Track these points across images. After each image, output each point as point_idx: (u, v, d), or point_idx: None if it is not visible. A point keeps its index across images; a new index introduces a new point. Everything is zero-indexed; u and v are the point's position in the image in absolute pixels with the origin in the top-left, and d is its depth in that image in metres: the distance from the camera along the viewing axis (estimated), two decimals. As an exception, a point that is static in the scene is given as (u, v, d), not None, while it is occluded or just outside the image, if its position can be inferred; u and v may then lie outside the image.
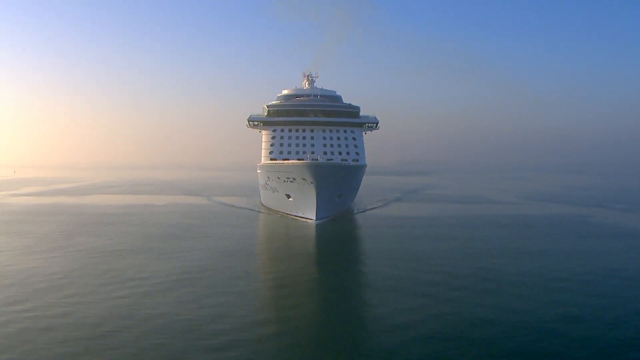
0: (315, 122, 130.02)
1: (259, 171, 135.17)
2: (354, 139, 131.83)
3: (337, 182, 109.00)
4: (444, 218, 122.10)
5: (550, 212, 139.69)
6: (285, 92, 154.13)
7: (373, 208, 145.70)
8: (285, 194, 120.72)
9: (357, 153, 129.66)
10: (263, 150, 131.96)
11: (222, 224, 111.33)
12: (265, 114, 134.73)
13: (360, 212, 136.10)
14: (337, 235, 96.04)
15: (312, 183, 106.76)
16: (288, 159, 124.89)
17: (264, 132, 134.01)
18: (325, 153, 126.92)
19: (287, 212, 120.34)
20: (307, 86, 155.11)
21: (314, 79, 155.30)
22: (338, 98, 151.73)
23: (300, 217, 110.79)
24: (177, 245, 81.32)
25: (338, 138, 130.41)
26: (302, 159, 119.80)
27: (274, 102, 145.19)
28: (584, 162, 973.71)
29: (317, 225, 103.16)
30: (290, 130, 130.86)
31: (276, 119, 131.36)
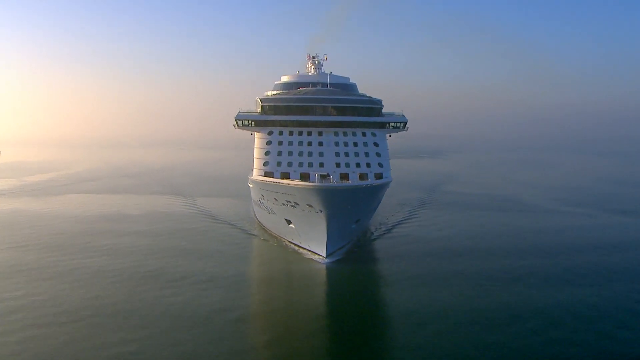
0: (324, 123, 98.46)
1: (250, 185, 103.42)
2: (375, 144, 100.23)
3: (354, 207, 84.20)
4: (486, 238, 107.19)
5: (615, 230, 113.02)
6: (284, 79, 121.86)
7: (393, 226, 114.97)
8: (285, 219, 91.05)
9: (380, 164, 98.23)
10: (255, 160, 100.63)
11: (201, 254, 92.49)
12: (259, 110, 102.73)
13: (380, 234, 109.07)
14: (357, 284, 77.96)
15: (321, 211, 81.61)
16: (288, 174, 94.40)
17: (256, 134, 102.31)
18: (338, 165, 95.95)
19: (286, 239, 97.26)
20: (312, 71, 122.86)
21: (321, 61, 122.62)
22: (352, 87, 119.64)
23: (305, 249, 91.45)
24: (138, 303, 66.89)
25: (355, 144, 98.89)
26: (307, 174, 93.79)
27: (270, 94, 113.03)
28: (608, 137, 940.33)
29: (328, 267, 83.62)
30: (291, 133, 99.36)
31: (273, 117, 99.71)
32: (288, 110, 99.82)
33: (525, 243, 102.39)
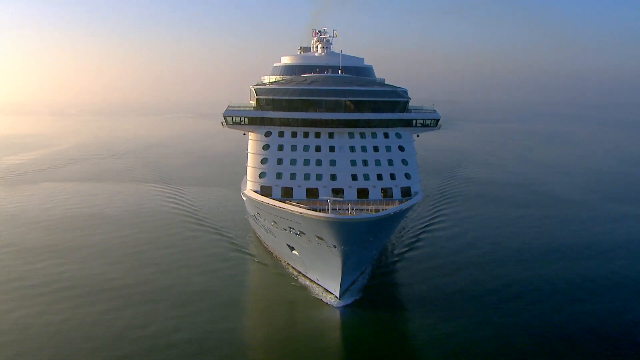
0: (337, 121, 77.67)
1: (244, 198, 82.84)
2: (401, 148, 79.47)
3: (377, 237, 67.80)
4: (537, 256, 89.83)
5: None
6: (285, 60, 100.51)
7: (414, 234, 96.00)
8: (287, 244, 74.66)
9: (407, 175, 77.64)
10: (249, 168, 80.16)
11: (175, 292, 74.31)
12: (254, 103, 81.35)
13: (401, 252, 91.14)
14: (381, 336, 61.73)
15: (334, 247, 63.99)
16: (291, 189, 75.12)
17: (250, 135, 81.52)
18: (354, 178, 75.84)
19: (289, 264, 79.86)
20: (319, 51, 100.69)
21: (330, 39, 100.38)
22: (368, 71, 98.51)
23: (313, 280, 74.88)
24: None
25: (376, 148, 78.21)
26: (316, 189, 75.38)
27: (267, 80, 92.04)
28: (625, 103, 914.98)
29: (343, 315, 66.67)
30: (294, 135, 78.58)
31: (271, 114, 79.07)
32: (290, 105, 78.68)
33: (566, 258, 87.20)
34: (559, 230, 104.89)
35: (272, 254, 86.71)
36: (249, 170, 79.65)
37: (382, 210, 64.89)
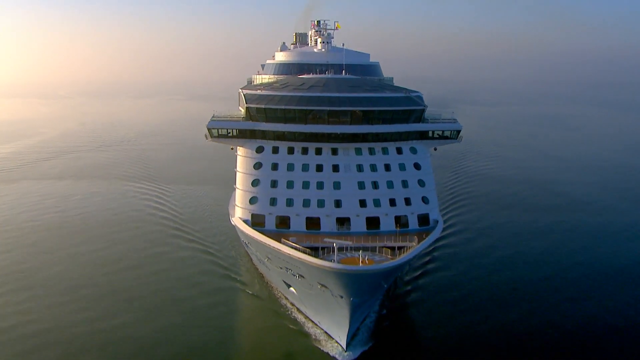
0: (342, 135, 64.70)
1: (234, 223, 70.45)
2: (416, 165, 67.57)
3: (389, 280, 58.88)
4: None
5: None
6: (280, 57, 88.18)
7: (430, 257, 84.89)
8: (284, 281, 63.71)
9: (425, 200, 65.58)
10: (238, 192, 67.80)
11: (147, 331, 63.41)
12: (243, 112, 68.98)
13: (413, 278, 78.87)
14: None
15: (341, 297, 53.72)
16: (288, 218, 63.02)
17: (240, 150, 69.22)
18: (363, 204, 64.55)
19: (286, 297, 69.83)
20: (319, 46, 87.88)
21: (331, 33, 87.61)
22: (375, 69, 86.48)
23: (314, 322, 63.84)
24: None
25: (387, 167, 66.47)
26: (317, 218, 64.94)
27: (258, 81, 79.63)
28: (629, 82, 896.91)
29: None
30: (291, 151, 66.74)
31: (263, 126, 66.75)
32: (286, 115, 66.46)
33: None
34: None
35: (266, 282, 75.11)
36: (238, 194, 67.65)
37: (399, 252, 53.49)
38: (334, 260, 51.18)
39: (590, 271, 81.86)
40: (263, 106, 66.97)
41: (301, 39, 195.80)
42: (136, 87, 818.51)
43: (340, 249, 52.72)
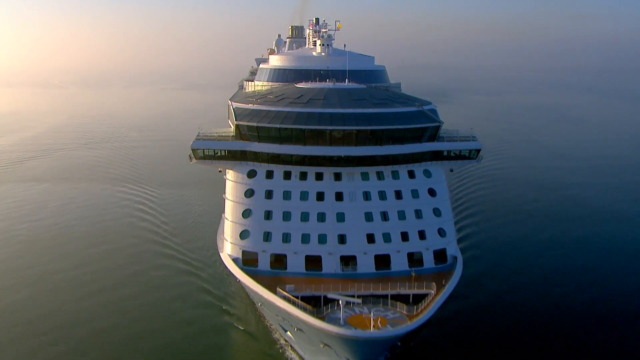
0: (346, 159, 55.91)
1: (223, 260, 61.51)
2: (431, 192, 58.72)
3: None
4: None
5: None
6: (275, 61, 79.73)
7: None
8: (280, 325, 53.84)
9: (441, 232, 56.92)
10: (227, 223, 58.85)
11: None
12: (233, 129, 60.07)
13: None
14: None
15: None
16: (284, 257, 54.10)
17: (229, 173, 60.30)
18: (371, 239, 55.23)
19: (283, 338, 59.99)
20: (318, 49, 78.77)
21: (331, 34, 78.52)
22: (380, 75, 78.26)
23: None
24: None
25: (398, 194, 58.05)
26: (318, 257, 56.79)
27: (250, 92, 70.71)
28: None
29: None
30: (287, 176, 58.27)
31: (255, 146, 58.01)
32: (282, 135, 57.45)
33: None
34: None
35: (260, 316, 66.46)
36: (227, 226, 59.00)
37: (414, 304, 45.34)
38: (340, 320, 42.90)
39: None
40: (255, 124, 58.12)
41: (297, 32, 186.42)
42: (131, 75, 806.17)
43: (348, 307, 44.44)
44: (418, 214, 58.41)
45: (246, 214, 58.11)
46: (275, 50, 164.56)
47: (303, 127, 56.76)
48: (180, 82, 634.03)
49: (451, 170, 64.34)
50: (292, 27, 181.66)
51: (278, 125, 57.10)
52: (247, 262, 56.01)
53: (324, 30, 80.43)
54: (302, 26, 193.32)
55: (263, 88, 75.08)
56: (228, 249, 58.19)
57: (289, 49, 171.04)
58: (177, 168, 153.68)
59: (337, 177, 58.52)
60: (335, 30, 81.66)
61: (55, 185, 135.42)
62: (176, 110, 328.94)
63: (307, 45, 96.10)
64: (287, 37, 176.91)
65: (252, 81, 79.68)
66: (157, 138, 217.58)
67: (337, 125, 56.66)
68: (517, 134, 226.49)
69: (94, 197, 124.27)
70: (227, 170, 61.94)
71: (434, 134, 60.66)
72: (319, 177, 58.42)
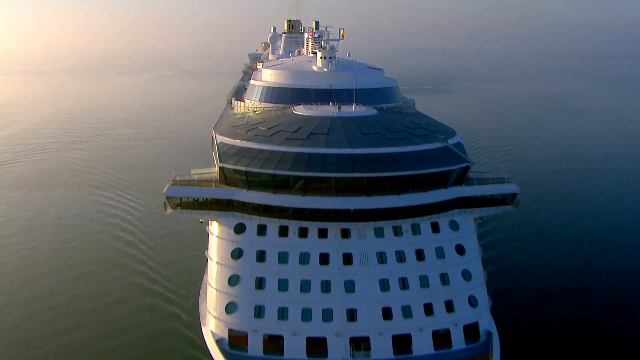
0: (356, 213, 44.25)
1: (204, 334, 50.54)
2: (460, 250, 47.75)
3: None
4: None
5: None
6: (268, 76, 68.73)
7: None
8: None
9: (472, 301, 46.08)
10: (210, 290, 47.75)
11: None
12: (216, 170, 48.58)
13: None
14: None
15: None
16: (281, 339, 43.51)
17: (211, 226, 48.96)
18: (388, 316, 45.40)
19: None
20: (319, 64, 67.57)
21: (334, 46, 67.14)
22: (390, 93, 68.06)
23: None
24: None
25: (420, 255, 46.94)
26: (323, 339, 46.27)
27: (239, 118, 59.75)
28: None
29: None
30: (284, 233, 46.40)
31: (244, 195, 46.82)
32: (276, 181, 46.16)
33: None
34: None
35: None
36: (210, 295, 48.34)
37: None
38: None
39: None
40: (243, 168, 46.98)
41: (294, 26, 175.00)
42: (125, 62, 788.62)
43: None
44: (444, 279, 47.77)
45: (233, 281, 47.33)
46: (270, 46, 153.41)
47: (302, 173, 45.70)
48: (174, 70, 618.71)
49: (481, 219, 53.40)
50: (287, 21, 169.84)
51: (272, 171, 46.05)
52: (235, 344, 45.52)
53: (325, 40, 68.69)
54: (299, 20, 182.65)
55: (254, 110, 63.84)
56: (211, 324, 47.48)
57: (284, 46, 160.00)
58: (168, 171, 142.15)
59: (345, 234, 47.72)
60: (338, 39, 70.19)
61: (28, 194, 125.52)
62: (170, 101, 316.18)
63: (305, 51, 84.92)
64: (283, 32, 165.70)
65: (242, 100, 68.38)
66: (148, 136, 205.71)
67: (345, 171, 45.68)
68: (523, 130, 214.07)
69: (71, 208, 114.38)
70: (210, 221, 50.94)
71: (462, 176, 49.71)
72: (323, 234, 47.62)
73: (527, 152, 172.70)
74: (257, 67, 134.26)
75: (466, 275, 48.79)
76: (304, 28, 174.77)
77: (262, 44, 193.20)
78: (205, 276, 51.29)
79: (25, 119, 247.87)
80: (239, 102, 67.49)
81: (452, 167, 48.30)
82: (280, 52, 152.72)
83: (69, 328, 66.49)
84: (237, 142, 50.39)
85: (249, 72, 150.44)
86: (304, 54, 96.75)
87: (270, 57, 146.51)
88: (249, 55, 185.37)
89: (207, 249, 51.18)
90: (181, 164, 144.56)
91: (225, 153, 49.27)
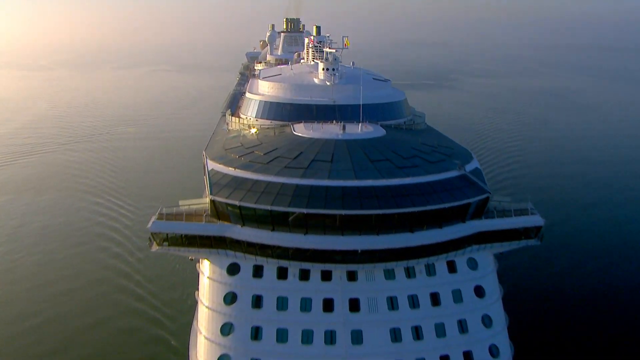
0: (363, 254, 39.11)
1: None
2: (479, 292, 42.48)
3: None
4: None
5: None
6: (266, 89, 63.87)
7: None
8: None
9: (493, 350, 40.99)
10: (201, 339, 42.44)
11: None
12: (207, 202, 43.04)
13: None
14: None
15: None
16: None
17: (202, 265, 43.68)
18: None
19: None
20: (321, 76, 62.10)
21: (338, 57, 61.89)
22: (398, 107, 62.26)
23: None
24: None
25: (435, 299, 41.62)
26: None
27: (232, 138, 54.70)
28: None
29: None
30: (283, 275, 41.55)
31: (237, 232, 41.17)
32: (274, 219, 40.93)
33: None
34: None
35: None
36: (201, 343, 43.13)
37: None
38: None
39: None
40: (237, 202, 41.73)
41: (293, 25, 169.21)
42: (123, 55, 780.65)
43: None
44: (462, 326, 42.75)
45: (226, 330, 42.24)
46: (269, 45, 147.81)
47: (304, 210, 40.46)
48: (173, 64, 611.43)
49: (501, 255, 48.27)
50: (287, 19, 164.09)
51: (269, 207, 40.79)
52: (228, 401, 40.44)
53: (328, 49, 63.08)
54: (298, 19, 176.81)
55: (250, 127, 58.55)
56: (203, 375, 42.44)
57: (283, 45, 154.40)
58: (164, 175, 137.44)
59: (352, 276, 42.62)
60: (342, 48, 64.76)
61: (13, 200, 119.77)
62: (168, 97, 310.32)
63: (305, 56, 79.43)
64: (282, 31, 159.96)
65: (237, 116, 63.10)
66: (144, 136, 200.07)
67: (351, 207, 40.48)
68: (528, 129, 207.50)
69: (58, 215, 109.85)
70: (200, 260, 45.76)
71: (481, 208, 44.54)
72: (326, 276, 42.50)
73: (529, 151, 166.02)
74: (255, 67, 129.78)
75: (486, 321, 43.74)
76: (303, 26, 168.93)
77: (260, 42, 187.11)
78: (195, 321, 46.27)
79: (16, 118, 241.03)
80: (233, 118, 62.17)
81: (471, 200, 43.10)
82: (279, 52, 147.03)
83: (53, 350, 63.00)
84: (231, 171, 45.05)
85: (245, 73, 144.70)
86: (303, 57, 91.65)
87: (269, 57, 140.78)
88: (247, 54, 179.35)
89: (197, 289, 46.08)
90: (177, 166, 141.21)
91: (217, 183, 43.96)
